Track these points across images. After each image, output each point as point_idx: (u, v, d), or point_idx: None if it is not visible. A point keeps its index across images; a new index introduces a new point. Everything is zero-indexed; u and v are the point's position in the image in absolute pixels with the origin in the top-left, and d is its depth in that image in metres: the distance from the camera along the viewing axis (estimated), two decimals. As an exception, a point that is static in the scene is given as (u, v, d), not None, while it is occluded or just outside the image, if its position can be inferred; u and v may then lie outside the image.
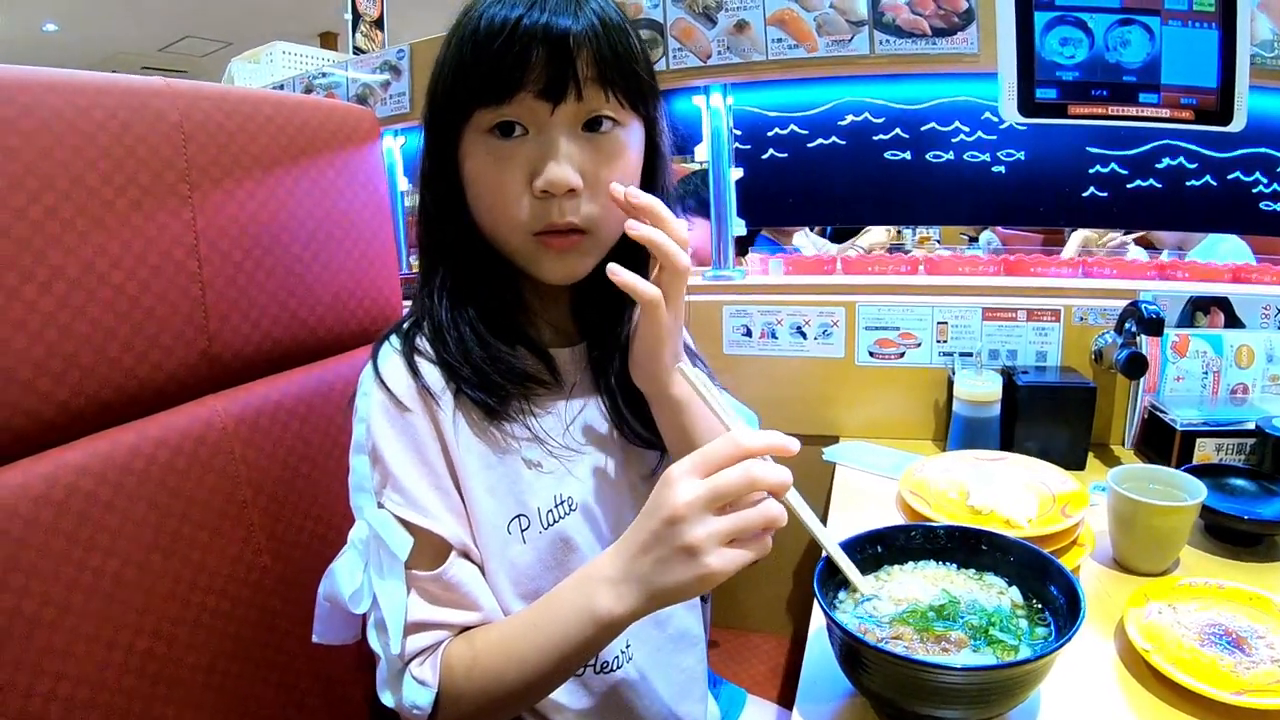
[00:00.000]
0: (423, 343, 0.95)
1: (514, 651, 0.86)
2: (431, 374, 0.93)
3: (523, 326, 1.00)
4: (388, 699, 0.91)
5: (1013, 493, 1.18)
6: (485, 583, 0.94)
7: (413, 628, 0.89)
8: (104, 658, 0.84)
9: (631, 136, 0.92)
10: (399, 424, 0.91)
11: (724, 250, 2.06)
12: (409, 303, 1.03)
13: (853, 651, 0.83)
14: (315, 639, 0.99)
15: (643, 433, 1.03)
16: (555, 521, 0.98)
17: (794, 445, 0.77)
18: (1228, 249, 2.68)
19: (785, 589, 1.92)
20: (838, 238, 3.79)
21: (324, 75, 2.58)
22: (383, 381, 0.92)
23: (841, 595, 0.92)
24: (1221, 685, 0.89)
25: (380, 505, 0.90)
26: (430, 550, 0.90)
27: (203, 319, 0.96)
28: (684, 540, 0.74)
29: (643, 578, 0.77)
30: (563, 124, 0.86)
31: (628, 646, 1.04)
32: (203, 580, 0.94)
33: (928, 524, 1.01)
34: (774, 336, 1.85)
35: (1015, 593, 0.91)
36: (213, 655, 0.95)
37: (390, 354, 0.94)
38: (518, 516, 0.96)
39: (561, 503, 0.98)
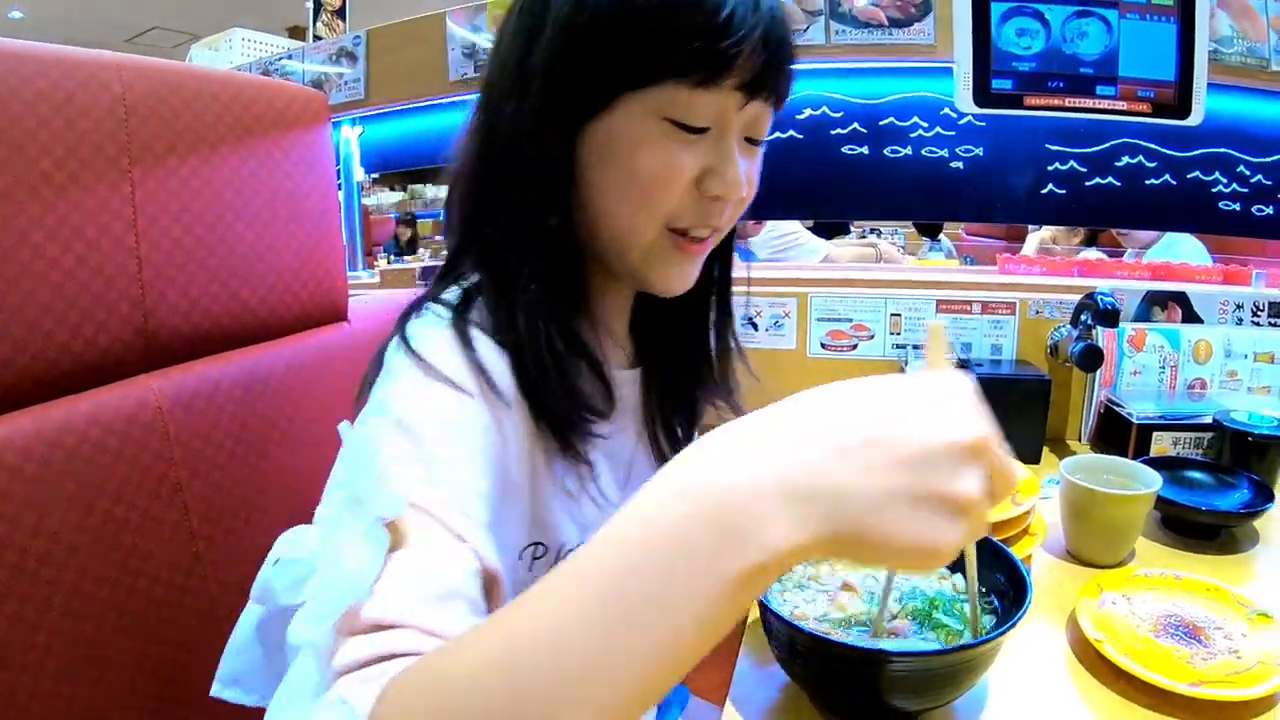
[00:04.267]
0: (477, 331, 0.77)
1: (545, 634, 0.45)
2: (493, 359, 0.75)
3: (589, 343, 0.85)
4: None
5: (963, 480, 1.13)
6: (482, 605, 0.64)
7: (369, 625, 0.53)
8: (27, 640, 0.80)
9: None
10: (446, 402, 0.70)
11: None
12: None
13: (787, 639, 0.78)
14: (214, 690, 0.76)
15: None
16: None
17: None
18: (1185, 250, 2.67)
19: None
20: (821, 231, 3.73)
21: (280, 61, 2.53)
22: (424, 357, 0.73)
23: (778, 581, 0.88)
24: (1177, 676, 0.84)
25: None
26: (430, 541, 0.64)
27: (139, 295, 0.93)
28: (954, 485, 0.46)
29: (856, 508, 0.45)
30: (741, 124, 0.78)
31: None
32: (134, 564, 0.90)
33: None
34: (725, 328, 1.79)
35: (958, 579, 0.86)
36: (144, 641, 0.91)
37: (434, 325, 0.76)
38: (534, 544, 0.82)
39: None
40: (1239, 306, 1.67)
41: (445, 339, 0.74)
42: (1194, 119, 1.74)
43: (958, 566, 0.87)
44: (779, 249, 3.40)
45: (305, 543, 0.65)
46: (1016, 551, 1.05)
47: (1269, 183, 1.93)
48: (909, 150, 2.04)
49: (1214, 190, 1.94)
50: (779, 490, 0.45)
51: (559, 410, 0.78)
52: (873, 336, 1.75)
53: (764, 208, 2.33)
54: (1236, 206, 1.95)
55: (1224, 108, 1.85)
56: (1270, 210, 1.94)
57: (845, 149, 2.06)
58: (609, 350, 0.90)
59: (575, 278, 0.83)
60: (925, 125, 2.02)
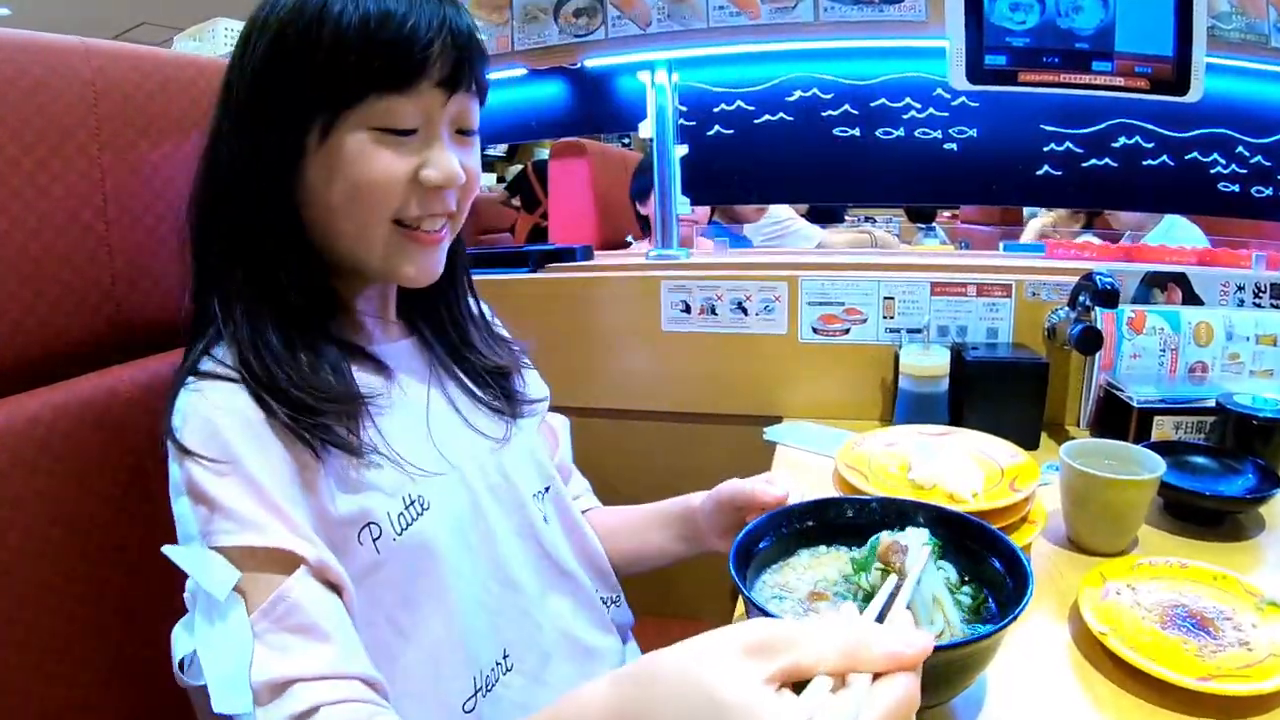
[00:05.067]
0: (217, 367, 0.84)
1: None
2: (238, 399, 0.81)
3: (341, 328, 0.94)
4: None
5: (958, 466, 1.08)
6: (342, 610, 0.77)
7: (266, 690, 0.70)
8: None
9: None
10: (216, 446, 0.77)
11: (668, 229, 1.98)
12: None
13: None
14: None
15: (495, 404, 1.04)
16: (408, 525, 0.87)
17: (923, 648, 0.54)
18: (1182, 235, 2.63)
19: (721, 571, 1.81)
20: (815, 219, 3.67)
21: None
22: (187, 421, 0.80)
23: (764, 575, 0.83)
24: (1185, 670, 0.80)
25: (210, 548, 0.76)
26: (273, 582, 0.74)
27: (109, 284, 0.94)
28: None
29: None
30: (448, 119, 0.87)
31: (505, 657, 0.94)
32: (106, 557, 0.91)
33: (859, 497, 0.92)
34: (714, 313, 1.76)
35: (950, 569, 0.82)
36: (116, 634, 0.92)
37: (189, 396, 0.81)
38: (367, 525, 0.84)
39: (413, 503, 0.88)
40: (1240, 288, 1.63)
41: (200, 402, 0.80)
42: (1193, 95, 1.69)
43: (952, 557, 0.83)
44: (773, 235, 3.36)
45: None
46: (1017, 539, 1.01)
47: (1268, 164, 1.89)
48: (901, 132, 1.99)
49: (1213, 171, 1.90)
50: None
51: (307, 408, 0.82)
52: (865, 320, 1.70)
53: (754, 190, 2.34)
54: (1236, 188, 1.91)
55: (1223, 87, 1.81)
56: (1270, 191, 1.90)
57: (836, 131, 2.02)
58: (381, 332, 0.99)
59: (317, 291, 0.90)
60: (918, 106, 1.97)
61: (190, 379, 0.82)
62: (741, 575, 0.77)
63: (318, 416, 0.81)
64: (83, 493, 0.88)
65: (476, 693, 0.90)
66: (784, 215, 3.39)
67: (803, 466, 1.47)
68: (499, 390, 1.05)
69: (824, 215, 3.85)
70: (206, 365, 0.83)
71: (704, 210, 3.31)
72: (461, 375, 1.03)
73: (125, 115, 0.94)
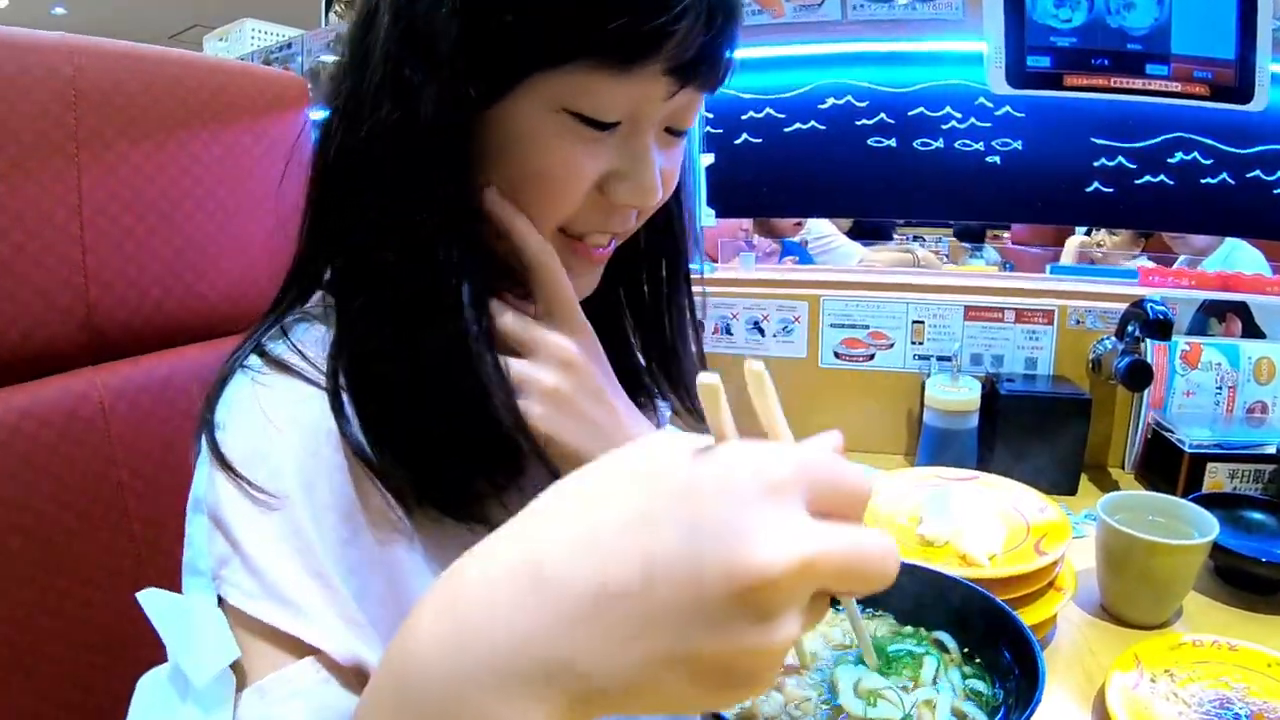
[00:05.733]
0: (291, 355, 0.65)
1: None
2: (311, 409, 0.62)
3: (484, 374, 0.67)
4: None
5: (977, 521, 0.95)
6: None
7: None
8: (-48, 642, 0.80)
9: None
10: (265, 468, 0.60)
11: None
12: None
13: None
14: None
15: None
16: None
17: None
18: (1243, 260, 2.47)
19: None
20: (860, 235, 3.53)
21: (282, 50, 2.47)
22: (235, 420, 0.62)
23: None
24: (1230, 789, 0.67)
25: (218, 595, 0.58)
26: (281, 662, 0.57)
27: (82, 285, 0.91)
28: (735, 643, 0.34)
29: (607, 686, 0.35)
30: (664, 116, 0.65)
31: None
32: (68, 566, 0.88)
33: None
34: (729, 332, 1.66)
35: (951, 643, 0.69)
36: (76, 647, 0.89)
37: (244, 385, 0.63)
38: None
39: None
40: (1308, 319, 1.48)
41: (253, 418, 0.61)
42: (1257, 104, 1.56)
43: (955, 634, 0.70)
44: (814, 252, 3.23)
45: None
46: (1040, 611, 0.89)
47: (1336, 182, 1.75)
48: (940, 143, 1.88)
49: (1277, 191, 1.76)
50: (499, 681, 0.36)
51: (446, 474, 0.64)
52: (892, 345, 1.58)
53: (785, 203, 2.23)
54: (1301, 209, 1.77)
55: None
56: (1337, 211, 1.76)
57: (871, 141, 1.91)
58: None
59: (467, 285, 0.64)
60: (959, 116, 1.85)
61: (254, 359, 0.64)
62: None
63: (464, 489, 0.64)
64: (45, 501, 0.86)
65: None
66: (826, 231, 3.26)
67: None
68: None
69: (870, 233, 3.72)
70: (278, 348, 0.65)
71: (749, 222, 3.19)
72: None
73: (105, 114, 0.92)
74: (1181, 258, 2.57)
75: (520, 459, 0.65)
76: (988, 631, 0.69)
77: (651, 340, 0.83)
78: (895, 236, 4.12)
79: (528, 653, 0.35)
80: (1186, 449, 1.29)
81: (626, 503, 0.36)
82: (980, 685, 0.68)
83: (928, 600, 0.71)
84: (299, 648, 0.55)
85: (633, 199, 0.65)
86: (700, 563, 0.33)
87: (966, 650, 0.70)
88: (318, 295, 0.70)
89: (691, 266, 0.89)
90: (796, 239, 3.21)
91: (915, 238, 4.31)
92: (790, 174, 1.97)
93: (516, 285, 0.69)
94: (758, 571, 0.33)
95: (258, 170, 1.07)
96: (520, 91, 0.60)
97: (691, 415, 0.83)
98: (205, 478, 0.61)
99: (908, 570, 0.74)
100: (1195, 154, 1.75)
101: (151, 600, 0.58)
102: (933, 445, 1.35)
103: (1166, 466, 1.35)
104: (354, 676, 0.56)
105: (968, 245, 4.12)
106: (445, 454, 0.63)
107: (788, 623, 0.34)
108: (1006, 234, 4.45)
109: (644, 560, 0.34)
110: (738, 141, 1.96)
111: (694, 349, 0.85)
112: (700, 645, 0.34)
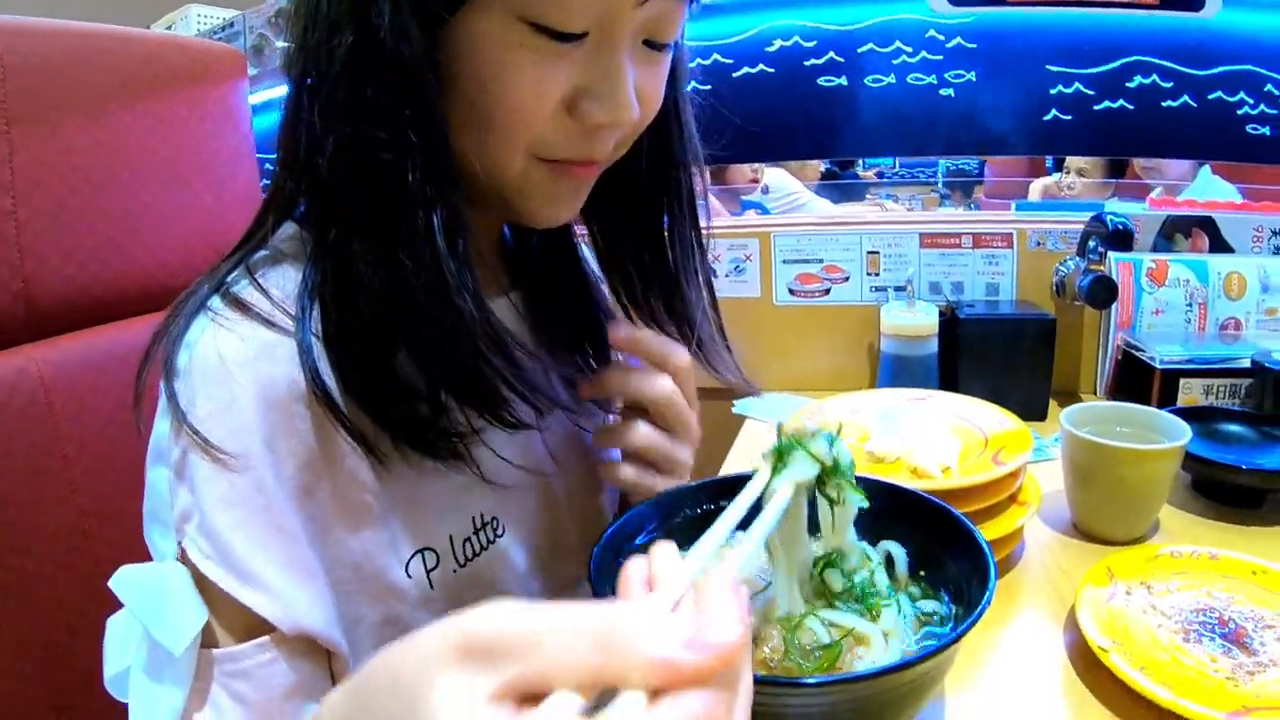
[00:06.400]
0: (259, 299, 0.61)
1: None
2: (275, 360, 0.59)
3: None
4: None
5: (929, 435, 0.88)
6: (314, 683, 0.60)
7: None
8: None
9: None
10: (229, 423, 0.57)
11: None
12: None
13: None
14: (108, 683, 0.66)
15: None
16: (477, 553, 0.70)
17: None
18: (1218, 193, 2.42)
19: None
20: (830, 193, 3.45)
21: (225, 30, 2.48)
22: (197, 366, 0.58)
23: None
24: (1213, 700, 0.60)
25: (180, 550, 0.58)
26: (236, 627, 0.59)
27: (17, 260, 0.91)
28: None
29: None
30: (639, 25, 0.60)
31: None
32: (18, 542, 0.88)
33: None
34: (680, 276, 1.57)
35: (900, 555, 0.62)
36: (30, 622, 0.90)
37: (208, 328, 0.59)
38: (420, 553, 0.66)
39: (485, 525, 0.70)
40: (1275, 233, 1.43)
41: (217, 366, 0.57)
42: (1209, 11, 1.51)
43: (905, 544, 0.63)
44: (780, 210, 3.17)
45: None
46: (1002, 525, 0.82)
47: (1301, 103, 1.71)
48: (892, 78, 1.82)
49: (1239, 112, 1.72)
50: None
51: (422, 410, 0.62)
52: (848, 279, 1.52)
53: (738, 151, 2.16)
54: (1266, 130, 1.72)
55: (1249, 21, 1.65)
56: (1304, 134, 1.71)
57: (822, 81, 1.85)
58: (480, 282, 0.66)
59: (441, 211, 0.60)
60: (909, 50, 1.80)
61: (217, 301, 0.60)
62: (606, 583, 0.57)
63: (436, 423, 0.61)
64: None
65: None
66: (792, 188, 3.19)
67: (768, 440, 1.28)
68: (591, 360, 0.81)
69: (841, 191, 3.65)
70: (242, 288, 0.61)
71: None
72: (581, 356, 0.81)
73: (36, 90, 0.92)
74: (1156, 191, 2.52)
75: (498, 393, 0.62)
76: (940, 541, 0.63)
77: (653, 270, 0.78)
78: (868, 195, 4.05)
79: None
80: (1158, 366, 1.23)
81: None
82: (932, 605, 0.61)
83: (876, 512, 0.64)
84: (249, 615, 0.56)
85: (604, 117, 0.59)
86: None
87: (917, 567, 0.63)
88: (292, 230, 0.66)
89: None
90: (757, 196, 3.14)
91: (890, 195, 4.23)
92: (742, 120, 1.89)
93: (493, 212, 0.69)
94: None
95: (193, 140, 1.08)
96: (471, 6, 0.55)
97: (695, 349, 0.79)
98: (167, 430, 0.59)
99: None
100: (1154, 77, 1.71)
101: (123, 584, 0.58)
102: (891, 373, 1.29)
103: (1138, 386, 1.28)
104: (303, 647, 0.59)
105: (943, 195, 4.05)
106: (423, 387, 0.61)
107: None
108: (980, 191, 4.39)
109: None
110: (685, 91, 1.89)
111: (703, 287, 0.81)
112: None
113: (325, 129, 0.58)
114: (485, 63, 0.57)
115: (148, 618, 0.57)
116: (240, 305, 0.59)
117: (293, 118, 0.62)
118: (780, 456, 0.56)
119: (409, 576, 0.65)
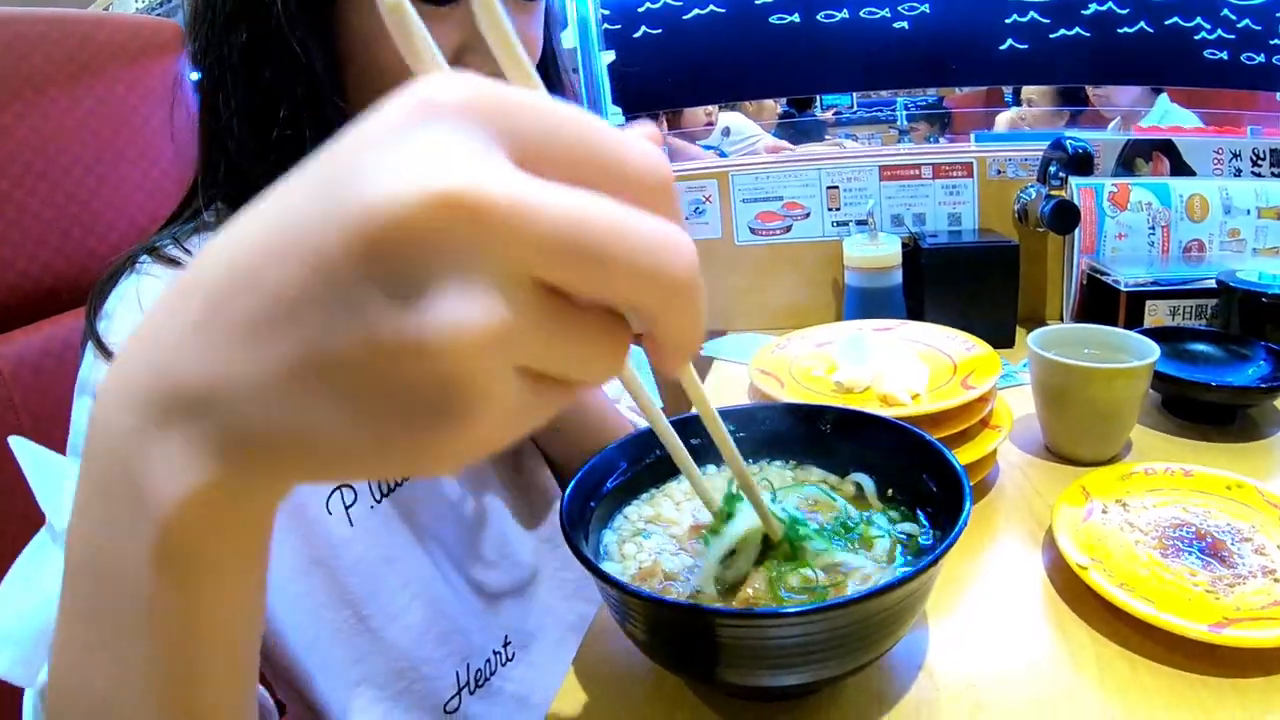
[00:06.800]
0: (182, 255, 0.69)
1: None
2: None
3: None
4: None
5: (897, 363, 0.87)
6: None
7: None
8: None
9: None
10: None
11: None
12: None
13: (616, 600, 0.52)
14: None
15: None
16: (395, 486, 0.71)
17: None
18: (1178, 120, 2.42)
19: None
20: (789, 135, 3.40)
21: (163, 5, 2.42)
22: (120, 311, 0.66)
23: (629, 508, 0.62)
24: (1195, 614, 0.59)
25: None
26: None
27: None
28: (395, 326, 0.23)
29: (247, 413, 0.26)
30: None
31: (505, 645, 0.80)
32: None
33: (743, 406, 0.70)
34: (638, 220, 1.54)
35: (868, 483, 0.61)
36: None
37: (132, 279, 0.67)
38: (338, 489, 0.68)
39: None
40: (1235, 155, 1.42)
41: (140, 307, 0.63)
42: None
43: (875, 474, 0.61)
44: (739, 153, 3.13)
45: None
46: (975, 449, 0.81)
47: (1258, 26, 1.68)
48: (845, 13, 1.78)
49: (1197, 38, 1.69)
50: (148, 412, 0.28)
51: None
52: (809, 215, 1.49)
53: (692, 94, 2.12)
54: (1224, 55, 1.70)
55: None
56: (1262, 58, 1.69)
57: (773, 19, 1.81)
58: None
59: None
60: (861, -18, 1.77)
61: (144, 258, 0.67)
62: (579, 529, 0.55)
63: None
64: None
65: (462, 690, 0.74)
66: (750, 131, 3.15)
67: (742, 382, 1.26)
68: None
69: (800, 133, 3.61)
70: (170, 249, 0.68)
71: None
72: None
73: None
74: (1115, 121, 2.52)
75: None
76: (911, 466, 0.61)
77: None
78: (826, 135, 4.02)
79: (171, 379, 0.27)
80: (1123, 289, 1.22)
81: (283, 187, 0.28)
82: (911, 526, 0.60)
83: (850, 445, 0.62)
84: None
85: (490, 69, 0.57)
86: (318, 218, 0.24)
87: (890, 493, 0.62)
88: (223, 207, 0.71)
89: None
90: (715, 139, 3.10)
91: (851, 135, 4.19)
92: (694, 62, 1.87)
93: None
94: (372, 208, 0.23)
95: (135, 118, 1.07)
96: None
97: None
98: (89, 362, 0.65)
99: (823, 414, 0.66)
100: (1110, 4, 1.68)
101: (24, 449, 0.60)
102: (855, 306, 1.26)
103: (1104, 310, 1.27)
104: None
105: (901, 129, 4.01)
106: None
107: (442, 301, 0.23)
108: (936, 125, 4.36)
109: (263, 234, 0.26)
110: (636, 35, 1.84)
111: None
112: (331, 338, 0.24)
113: (229, 114, 0.66)
114: (371, 33, 0.63)
115: (42, 492, 0.59)
116: (167, 260, 0.66)
117: (206, 104, 0.68)
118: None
119: (329, 513, 0.67)
